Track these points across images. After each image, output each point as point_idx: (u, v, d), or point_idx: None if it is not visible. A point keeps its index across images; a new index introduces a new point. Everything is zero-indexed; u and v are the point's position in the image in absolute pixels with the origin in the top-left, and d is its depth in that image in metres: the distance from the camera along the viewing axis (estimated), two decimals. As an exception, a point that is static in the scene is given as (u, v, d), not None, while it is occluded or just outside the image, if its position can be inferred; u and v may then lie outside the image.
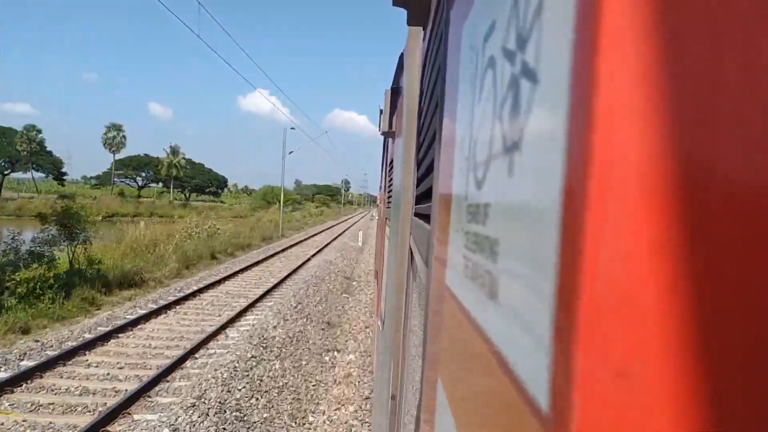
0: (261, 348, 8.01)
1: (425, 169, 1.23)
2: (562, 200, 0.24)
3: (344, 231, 37.18)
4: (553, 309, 0.24)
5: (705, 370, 0.19)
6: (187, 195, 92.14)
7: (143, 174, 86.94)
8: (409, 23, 1.52)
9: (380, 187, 7.12)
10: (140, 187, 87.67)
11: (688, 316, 0.19)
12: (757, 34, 0.17)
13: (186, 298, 11.62)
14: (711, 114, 0.19)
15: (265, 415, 5.97)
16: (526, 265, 0.28)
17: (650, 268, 0.20)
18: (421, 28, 1.59)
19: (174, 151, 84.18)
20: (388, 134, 3.19)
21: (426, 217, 1.05)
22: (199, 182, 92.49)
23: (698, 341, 0.19)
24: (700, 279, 0.19)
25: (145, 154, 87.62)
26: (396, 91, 2.83)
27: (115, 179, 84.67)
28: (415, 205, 1.50)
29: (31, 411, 5.85)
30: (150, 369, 7.21)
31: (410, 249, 1.59)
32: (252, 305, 11.15)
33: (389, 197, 3.36)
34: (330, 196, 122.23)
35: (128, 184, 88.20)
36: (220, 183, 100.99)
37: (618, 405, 0.20)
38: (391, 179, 3.07)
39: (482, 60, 0.45)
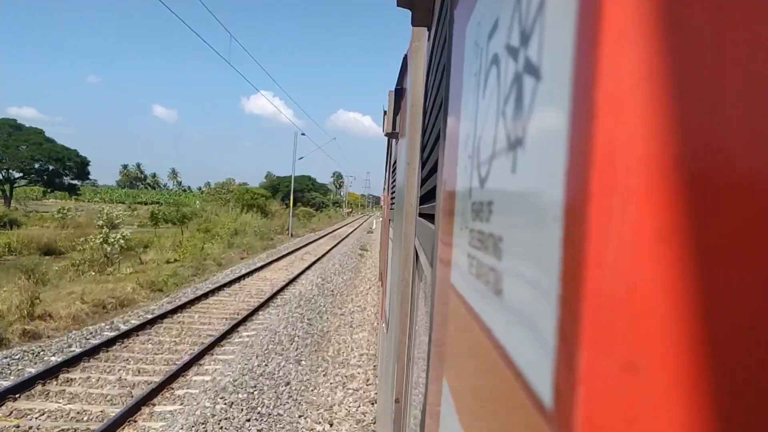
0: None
1: (429, 169, 1.23)
2: (566, 196, 0.24)
3: None
4: (558, 305, 0.24)
5: (711, 364, 0.19)
6: (7, 191, 46.96)
7: None
8: (414, 24, 1.52)
9: (384, 188, 7.13)
10: None
11: (693, 310, 0.19)
12: (760, 30, 0.18)
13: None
14: (714, 109, 0.19)
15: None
16: (530, 261, 0.28)
17: (654, 264, 0.20)
18: (426, 28, 1.59)
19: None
20: (392, 135, 3.19)
21: (431, 217, 1.05)
22: (41, 166, 47.59)
23: (704, 335, 0.19)
24: (705, 273, 0.19)
25: None
26: (399, 92, 2.83)
27: None
28: (420, 205, 1.49)
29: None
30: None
31: (415, 249, 1.59)
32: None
33: (393, 199, 3.36)
34: (300, 192, 63.82)
35: None
36: (78, 168, 52.07)
37: (623, 400, 0.20)
38: (395, 180, 3.07)
39: (486, 59, 0.45)
